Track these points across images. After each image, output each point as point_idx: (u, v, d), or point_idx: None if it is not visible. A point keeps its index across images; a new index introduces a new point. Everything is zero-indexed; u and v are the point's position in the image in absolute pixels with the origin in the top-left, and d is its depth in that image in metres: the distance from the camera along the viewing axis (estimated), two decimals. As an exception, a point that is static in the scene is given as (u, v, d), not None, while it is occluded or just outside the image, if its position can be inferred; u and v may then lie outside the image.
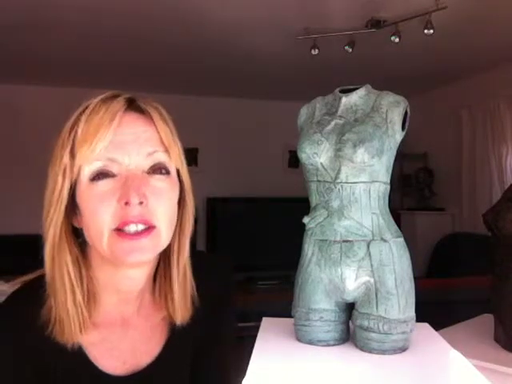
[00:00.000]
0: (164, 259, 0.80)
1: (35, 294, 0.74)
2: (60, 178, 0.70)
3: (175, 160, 0.74)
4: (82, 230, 0.74)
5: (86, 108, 0.71)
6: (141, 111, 0.73)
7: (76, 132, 0.70)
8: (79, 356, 0.75)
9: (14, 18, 3.00)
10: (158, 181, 0.72)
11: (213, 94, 4.97)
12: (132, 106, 0.73)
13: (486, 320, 1.47)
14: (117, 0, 2.77)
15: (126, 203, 0.68)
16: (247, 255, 4.88)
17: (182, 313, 0.79)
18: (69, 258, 0.73)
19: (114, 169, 0.70)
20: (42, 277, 0.75)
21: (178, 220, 0.77)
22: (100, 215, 0.69)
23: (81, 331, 0.73)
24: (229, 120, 5.14)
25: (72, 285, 0.72)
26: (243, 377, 0.60)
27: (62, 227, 0.72)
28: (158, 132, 0.73)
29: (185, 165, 0.78)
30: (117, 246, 0.69)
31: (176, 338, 0.82)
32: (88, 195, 0.70)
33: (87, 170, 0.70)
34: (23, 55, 3.76)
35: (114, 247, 0.69)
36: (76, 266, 0.74)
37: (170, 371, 0.81)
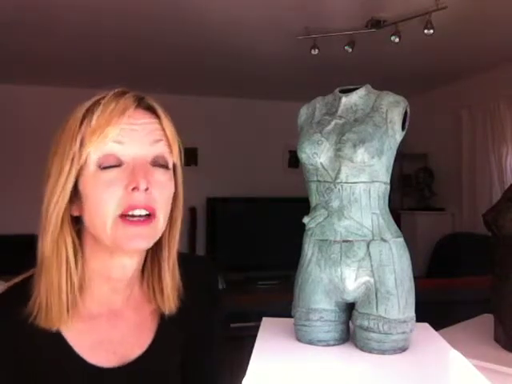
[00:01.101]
0: (152, 252, 0.82)
1: (23, 293, 0.75)
2: (67, 166, 0.72)
3: (175, 155, 0.78)
4: (80, 217, 0.76)
5: (98, 101, 0.74)
6: (148, 108, 0.77)
7: (88, 122, 0.73)
8: (65, 350, 0.76)
9: (14, 18, 3.01)
10: (160, 174, 0.75)
11: (213, 94, 4.97)
12: (141, 102, 0.76)
13: (486, 320, 1.47)
14: (117, 0, 2.77)
15: (134, 188, 0.71)
16: (247, 255, 4.88)
17: (170, 303, 0.82)
18: (69, 244, 0.75)
19: (121, 156, 0.73)
20: (31, 277, 0.77)
21: (169, 214, 0.79)
22: (106, 201, 0.71)
23: (68, 314, 0.74)
24: (229, 120, 5.14)
25: (69, 268, 0.74)
26: (243, 377, 0.60)
27: (63, 214, 0.74)
28: (163, 127, 0.77)
29: (180, 161, 0.81)
30: (120, 232, 0.72)
31: (166, 331, 0.83)
32: (95, 182, 0.72)
33: (95, 157, 0.72)
34: (23, 55, 3.76)
35: (118, 233, 0.72)
36: (75, 254, 0.76)
37: (159, 364, 0.82)
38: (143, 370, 0.80)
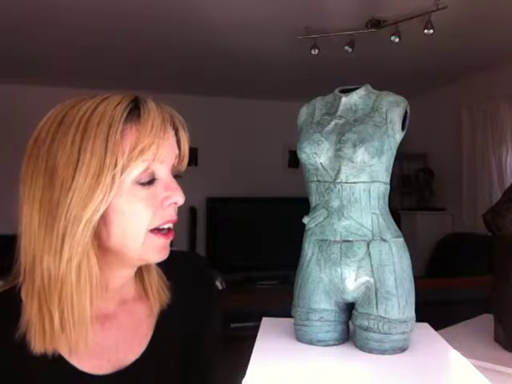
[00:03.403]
0: None
1: (9, 306, 0.73)
2: (107, 180, 0.67)
3: (185, 165, 0.79)
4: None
5: (135, 108, 0.70)
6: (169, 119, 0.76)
7: (132, 135, 0.68)
8: (54, 358, 0.73)
9: (14, 19, 3.01)
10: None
11: (213, 94, 4.98)
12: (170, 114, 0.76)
13: (486, 320, 1.47)
14: (117, 0, 2.77)
15: (170, 204, 0.73)
16: (247, 255, 4.88)
17: (161, 297, 0.82)
18: (96, 265, 0.71)
19: (157, 172, 0.72)
20: (13, 289, 0.74)
21: None
22: (143, 217, 0.71)
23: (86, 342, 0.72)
24: (229, 120, 5.14)
25: (96, 292, 0.71)
26: (243, 377, 0.60)
27: (92, 232, 0.69)
28: (178, 137, 0.76)
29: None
30: (151, 245, 0.72)
31: (162, 334, 0.82)
32: (131, 198, 0.70)
33: (135, 173, 0.69)
34: (23, 55, 3.76)
35: (148, 246, 0.72)
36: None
37: (155, 368, 0.80)
38: (139, 376, 0.78)
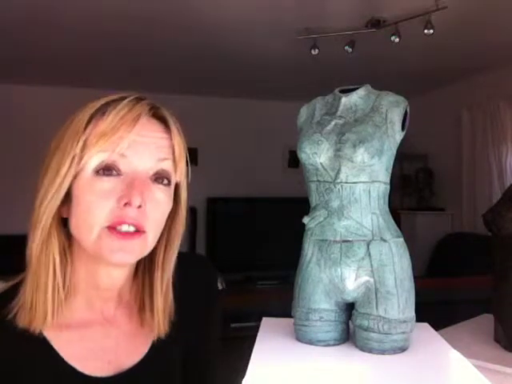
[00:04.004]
0: (144, 269, 0.80)
1: (10, 296, 0.73)
2: (65, 167, 0.69)
3: (180, 173, 0.76)
4: (67, 220, 0.73)
5: (109, 103, 0.71)
6: (161, 119, 0.75)
7: (95, 125, 0.70)
8: (53, 359, 0.73)
9: (14, 19, 3.01)
10: (159, 190, 0.72)
11: (213, 94, 4.98)
12: (155, 112, 0.74)
13: (486, 320, 1.47)
14: (117, 1, 2.77)
15: (126, 204, 0.68)
16: (247, 255, 4.88)
17: (160, 327, 0.79)
18: (56, 246, 0.72)
19: (121, 166, 0.70)
20: (18, 285, 0.74)
21: (165, 232, 0.77)
22: (96, 210, 0.69)
23: (53, 317, 0.72)
24: (229, 120, 5.14)
25: (56, 271, 0.72)
26: (243, 377, 0.60)
27: (54, 215, 0.71)
28: (173, 143, 0.74)
29: (185, 179, 0.78)
30: (105, 244, 0.69)
31: (162, 337, 0.81)
32: (89, 189, 0.70)
33: (94, 162, 0.69)
34: (23, 55, 3.76)
35: (103, 244, 0.69)
36: (62, 255, 0.73)
37: (157, 371, 0.80)
38: (139, 378, 0.78)
